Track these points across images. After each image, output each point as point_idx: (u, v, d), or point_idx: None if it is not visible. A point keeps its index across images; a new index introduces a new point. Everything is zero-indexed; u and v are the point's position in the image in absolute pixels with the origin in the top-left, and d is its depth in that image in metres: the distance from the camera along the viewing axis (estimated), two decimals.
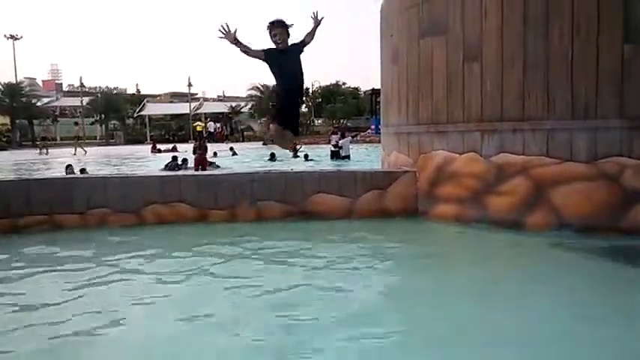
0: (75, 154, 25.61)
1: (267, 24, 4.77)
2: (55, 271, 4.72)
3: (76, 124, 42.09)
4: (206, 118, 48.38)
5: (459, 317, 3.52)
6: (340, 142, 18.82)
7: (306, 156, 19.37)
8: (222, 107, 51.45)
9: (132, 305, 3.82)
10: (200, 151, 14.69)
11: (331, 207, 6.83)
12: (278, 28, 4.72)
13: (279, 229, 6.28)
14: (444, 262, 5.17)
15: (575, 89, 5.72)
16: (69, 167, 13.18)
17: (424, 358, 2.98)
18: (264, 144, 34.20)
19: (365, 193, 6.93)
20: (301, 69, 4.88)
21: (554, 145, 5.82)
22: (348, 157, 18.34)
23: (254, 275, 4.45)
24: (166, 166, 14.75)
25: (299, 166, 16.25)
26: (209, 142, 38.43)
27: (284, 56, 4.76)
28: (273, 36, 4.73)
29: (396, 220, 6.72)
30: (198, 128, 44.04)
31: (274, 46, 4.75)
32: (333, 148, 19.25)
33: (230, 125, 47.88)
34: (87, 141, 45.48)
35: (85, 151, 27.44)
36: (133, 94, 59.93)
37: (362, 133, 34.12)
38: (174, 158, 15.40)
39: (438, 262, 5.05)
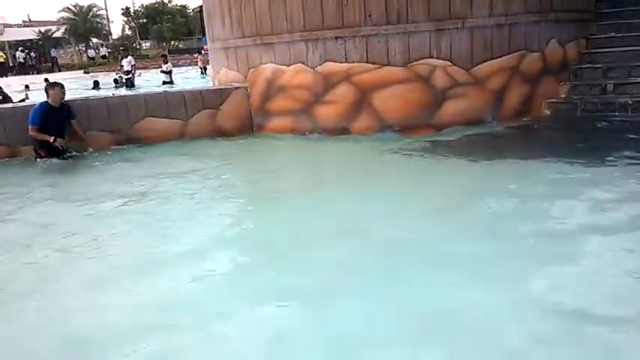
0: None
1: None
2: None
3: None
4: (10, 47, 41.92)
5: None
6: (164, 66, 17.81)
7: (95, 83, 18.19)
8: (30, 34, 44.80)
9: None
10: None
11: (161, 131, 6.49)
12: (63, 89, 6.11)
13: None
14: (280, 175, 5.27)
15: None
16: None
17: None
18: (85, 72, 30.95)
19: (197, 113, 6.67)
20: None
21: (372, 51, 6.09)
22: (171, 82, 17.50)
23: None
24: None
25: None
26: (19, 74, 33.64)
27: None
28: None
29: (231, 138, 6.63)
30: (0, 60, 38.19)
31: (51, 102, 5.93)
32: (165, 79, 17.71)
33: (37, 55, 41.64)
34: None
35: None
36: None
37: (196, 55, 32.50)
38: None
39: (275, 176, 5.13)
